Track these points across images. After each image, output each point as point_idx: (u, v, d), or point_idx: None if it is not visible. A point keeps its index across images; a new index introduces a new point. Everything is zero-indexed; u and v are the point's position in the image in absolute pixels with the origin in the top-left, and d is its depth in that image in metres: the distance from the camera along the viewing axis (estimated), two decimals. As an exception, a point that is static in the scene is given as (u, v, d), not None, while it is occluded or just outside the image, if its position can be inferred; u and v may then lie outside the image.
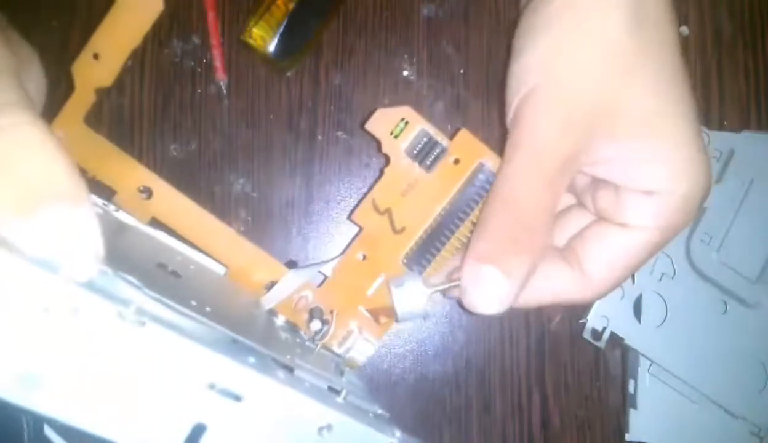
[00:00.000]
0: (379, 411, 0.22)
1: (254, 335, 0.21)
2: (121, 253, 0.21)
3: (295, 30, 0.30)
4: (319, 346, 0.27)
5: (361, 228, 0.28)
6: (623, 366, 0.33)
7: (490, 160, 0.28)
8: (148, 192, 0.28)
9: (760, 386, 0.31)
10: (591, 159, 0.25)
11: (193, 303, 0.20)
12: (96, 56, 0.28)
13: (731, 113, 0.34)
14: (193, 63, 0.32)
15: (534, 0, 0.25)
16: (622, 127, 0.24)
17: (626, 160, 0.24)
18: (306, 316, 0.28)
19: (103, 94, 0.28)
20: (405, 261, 0.28)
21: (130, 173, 0.28)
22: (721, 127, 0.34)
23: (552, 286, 0.26)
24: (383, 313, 0.28)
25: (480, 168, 0.28)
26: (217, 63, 0.32)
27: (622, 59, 0.24)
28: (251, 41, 0.30)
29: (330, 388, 0.21)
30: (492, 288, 0.24)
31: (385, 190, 0.28)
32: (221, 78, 0.32)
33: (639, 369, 0.32)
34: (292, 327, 0.28)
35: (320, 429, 0.18)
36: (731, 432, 0.31)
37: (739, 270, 0.31)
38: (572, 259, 0.26)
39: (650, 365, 0.32)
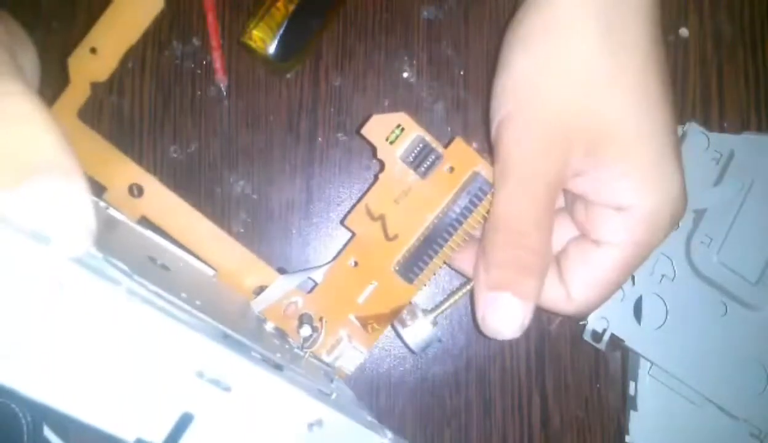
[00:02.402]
0: (369, 418, 0.22)
1: (244, 334, 0.21)
2: (110, 244, 0.20)
3: (294, 32, 0.30)
4: (307, 354, 0.27)
5: (353, 234, 0.28)
6: (623, 368, 0.33)
7: (484, 169, 0.27)
8: (139, 190, 0.28)
9: (760, 388, 0.31)
10: (568, 174, 0.25)
11: (184, 295, 0.20)
12: (93, 50, 0.28)
13: (731, 115, 0.34)
14: (193, 65, 0.32)
15: (520, 11, 0.26)
16: (595, 144, 0.24)
17: (598, 176, 0.25)
18: (295, 323, 0.28)
19: (98, 89, 0.28)
20: (396, 268, 0.28)
21: (122, 170, 0.28)
22: (720, 129, 0.34)
23: (542, 294, 0.26)
24: (373, 320, 0.28)
25: (474, 177, 0.27)
26: (217, 65, 0.32)
27: (596, 80, 0.24)
28: (251, 43, 0.30)
29: (320, 392, 0.21)
30: (511, 313, 0.25)
31: (380, 196, 0.27)
32: (221, 80, 0.32)
33: (639, 370, 0.32)
34: (282, 334, 0.28)
35: (310, 424, 0.17)
36: (731, 433, 0.31)
37: (740, 271, 0.31)
38: (557, 273, 0.26)
39: (650, 367, 0.32)
